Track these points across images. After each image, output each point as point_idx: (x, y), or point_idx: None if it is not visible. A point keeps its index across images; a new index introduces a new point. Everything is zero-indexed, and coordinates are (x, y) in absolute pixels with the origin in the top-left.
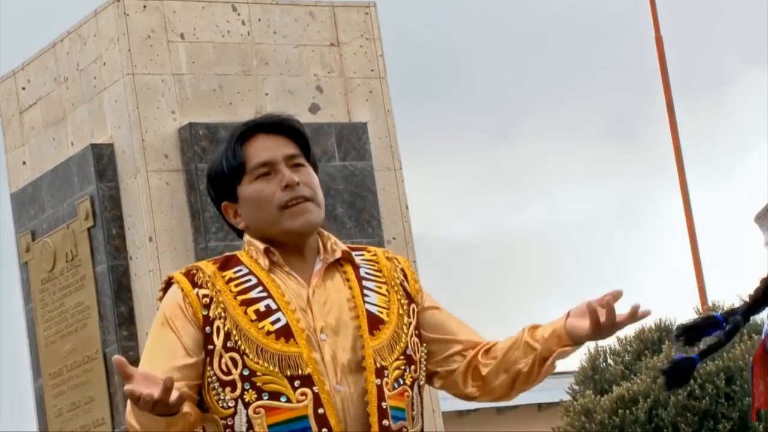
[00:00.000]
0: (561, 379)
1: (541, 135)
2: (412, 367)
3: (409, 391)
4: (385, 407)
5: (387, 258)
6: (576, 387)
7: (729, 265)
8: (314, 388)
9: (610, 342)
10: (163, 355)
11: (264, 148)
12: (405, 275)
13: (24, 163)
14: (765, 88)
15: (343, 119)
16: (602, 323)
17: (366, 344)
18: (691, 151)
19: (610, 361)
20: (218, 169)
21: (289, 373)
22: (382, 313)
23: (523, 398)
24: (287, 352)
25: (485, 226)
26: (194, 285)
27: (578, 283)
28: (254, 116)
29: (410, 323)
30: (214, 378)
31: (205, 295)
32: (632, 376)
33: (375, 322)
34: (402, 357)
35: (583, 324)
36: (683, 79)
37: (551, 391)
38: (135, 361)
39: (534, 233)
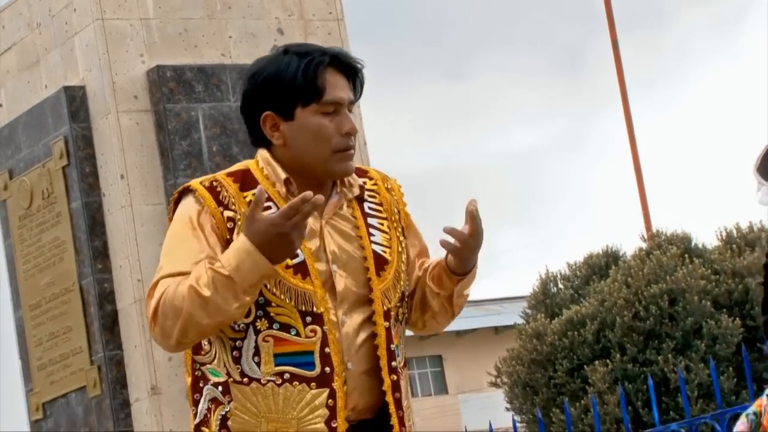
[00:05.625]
0: (515, 304)
1: (493, 73)
2: (404, 303)
3: (401, 326)
4: (393, 349)
5: (387, 189)
6: (528, 311)
7: (672, 192)
8: (324, 327)
9: (561, 267)
10: (191, 253)
11: (339, 87)
12: (399, 209)
13: (1, 105)
14: (703, 25)
15: None
16: (461, 247)
17: (374, 286)
18: (634, 85)
19: (560, 285)
20: (287, 80)
21: (302, 308)
22: (385, 252)
23: (480, 322)
24: (303, 289)
25: (441, 160)
26: (219, 203)
27: (531, 212)
28: (219, 59)
29: (406, 260)
30: None
31: (230, 218)
32: (581, 299)
33: (381, 263)
34: (400, 295)
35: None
36: (627, 17)
37: (507, 315)
38: (110, 293)
39: (487, 166)
